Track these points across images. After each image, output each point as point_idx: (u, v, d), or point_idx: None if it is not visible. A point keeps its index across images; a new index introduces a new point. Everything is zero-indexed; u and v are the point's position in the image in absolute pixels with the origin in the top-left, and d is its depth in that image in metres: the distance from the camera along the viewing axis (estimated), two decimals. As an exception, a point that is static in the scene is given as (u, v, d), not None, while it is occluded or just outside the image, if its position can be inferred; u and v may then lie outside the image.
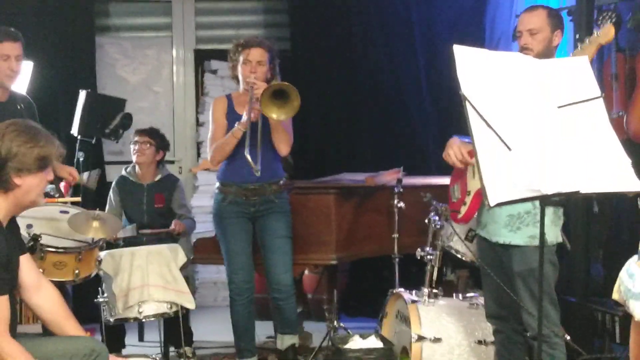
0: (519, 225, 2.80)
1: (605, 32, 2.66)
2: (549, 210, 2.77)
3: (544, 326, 2.76)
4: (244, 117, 3.62)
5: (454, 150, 2.75)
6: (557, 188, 2.05)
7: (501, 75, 2.15)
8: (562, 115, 2.11)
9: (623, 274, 1.50)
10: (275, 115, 3.53)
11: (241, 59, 3.71)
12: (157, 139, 4.55)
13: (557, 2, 4.54)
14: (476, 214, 2.98)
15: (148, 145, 4.49)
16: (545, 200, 2.16)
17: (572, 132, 2.11)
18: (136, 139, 4.51)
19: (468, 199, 2.97)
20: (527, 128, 2.10)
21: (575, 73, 2.19)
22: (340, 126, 5.65)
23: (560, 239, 2.88)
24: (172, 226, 4.36)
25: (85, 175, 4.44)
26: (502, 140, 1.99)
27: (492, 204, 2.01)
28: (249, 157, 3.49)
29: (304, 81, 5.49)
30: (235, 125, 3.64)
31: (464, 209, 3.00)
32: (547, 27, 2.83)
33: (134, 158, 4.54)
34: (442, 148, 3.10)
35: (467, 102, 2.04)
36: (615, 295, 1.59)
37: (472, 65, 2.12)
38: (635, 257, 2.03)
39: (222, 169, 3.84)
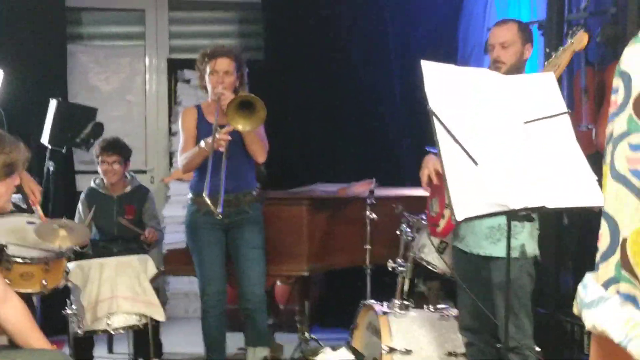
0: (499, 237, 2.82)
1: (579, 39, 2.71)
2: (528, 224, 2.79)
3: (518, 337, 2.78)
4: (206, 142, 3.54)
5: (429, 169, 2.77)
6: (523, 203, 2.07)
7: (468, 91, 2.17)
8: (528, 131, 2.13)
9: (579, 286, 1.52)
10: (241, 126, 3.52)
11: (208, 69, 3.70)
12: (123, 152, 4.47)
13: (527, 16, 4.59)
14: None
15: (117, 164, 4.42)
16: (512, 215, 2.17)
17: (539, 147, 2.13)
18: (104, 158, 4.40)
19: (447, 213, 2.98)
20: (494, 143, 2.12)
21: (541, 89, 2.22)
22: (314, 136, 5.65)
23: (537, 252, 2.90)
24: (146, 233, 4.30)
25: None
26: (469, 155, 2.00)
27: (459, 219, 2.02)
28: (207, 201, 3.43)
29: (278, 91, 5.51)
30: (202, 143, 3.59)
31: (442, 223, 3.02)
32: (518, 41, 2.88)
33: (102, 175, 4.45)
34: (416, 159, 3.11)
35: (434, 117, 2.06)
36: (574, 309, 1.62)
37: (439, 80, 2.14)
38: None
39: (194, 180, 3.81)
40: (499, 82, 2.24)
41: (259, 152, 3.72)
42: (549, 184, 2.10)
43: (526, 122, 2.13)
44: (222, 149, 3.53)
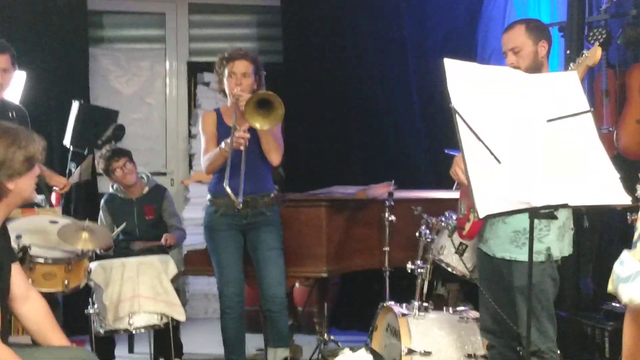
0: (524, 240, 2.79)
1: (592, 54, 2.67)
2: (554, 225, 2.78)
3: (540, 342, 2.77)
4: (226, 143, 3.58)
5: (460, 167, 2.76)
6: (545, 200, 2.07)
7: (491, 89, 2.18)
8: (551, 129, 2.13)
9: (615, 264, 1.55)
10: (259, 124, 3.54)
11: (226, 72, 3.73)
12: (125, 152, 4.55)
13: (548, 18, 4.59)
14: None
15: (128, 162, 4.48)
16: (534, 213, 2.17)
17: (561, 145, 2.13)
18: (114, 165, 4.45)
19: (472, 216, 2.98)
20: (517, 141, 2.12)
21: (564, 87, 2.21)
22: (332, 139, 5.66)
23: (566, 252, 2.87)
24: (163, 240, 4.35)
25: (76, 173, 4.40)
26: (492, 153, 2.00)
27: (481, 216, 2.02)
28: (228, 190, 3.47)
29: (296, 94, 5.53)
30: (222, 144, 3.63)
31: (468, 226, 3.02)
32: (528, 42, 2.83)
33: (122, 182, 4.49)
34: (433, 162, 3.11)
35: (456, 115, 2.06)
36: (609, 287, 1.64)
37: (462, 78, 2.14)
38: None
39: (213, 182, 3.84)
40: (521, 80, 2.24)
41: (274, 153, 3.74)
42: (571, 181, 2.10)
43: (549, 120, 2.12)
44: (242, 148, 3.55)
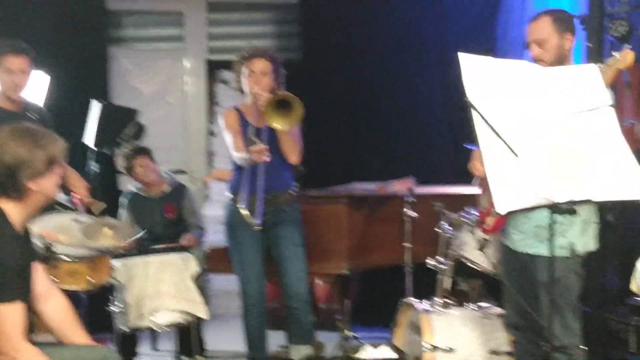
0: (547, 235, 2.77)
1: (624, 57, 2.56)
2: (579, 219, 2.73)
3: (565, 337, 2.75)
4: (245, 155, 3.59)
5: (479, 161, 2.73)
6: (567, 196, 2.04)
7: (508, 83, 2.16)
8: (572, 123, 2.11)
9: (637, 262, 1.53)
10: (279, 125, 3.54)
11: (245, 70, 3.73)
12: (146, 150, 4.60)
13: (568, 9, 4.52)
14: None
15: (148, 160, 4.52)
16: (555, 209, 2.15)
17: (582, 139, 2.11)
18: (135, 163, 4.51)
19: (494, 211, 2.96)
20: (536, 135, 2.10)
21: (585, 81, 2.18)
22: (351, 135, 5.66)
23: (591, 247, 2.83)
24: (185, 241, 4.35)
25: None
26: (509, 147, 1.98)
27: (500, 212, 2.00)
28: (243, 212, 3.48)
29: (315, 91, 5.52)
30: (244, 154, 3.62)
31: (490, 220, 2.99)
32: (554, 34, 2.75)
33: (143, 180, 4.54)
34: (453, 158, 3.08)
35: (472, 109, 2.05)
36: (632, 286, 1.61)
37: (477, 72, 2.13)
38: None
39: (233, 180, 3.85)
40: (541, 74, 2.22)
41: (292, 152, 3.74)
42: (593, 176, 2.07)
43: (570, 114, 2.10)
44: (267, 159, 3.54)
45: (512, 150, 2.00)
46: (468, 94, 2.10)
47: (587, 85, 2.19)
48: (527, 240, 2.83)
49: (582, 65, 2.38)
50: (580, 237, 2.78)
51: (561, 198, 2.06)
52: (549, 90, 2.18)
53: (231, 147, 3.78)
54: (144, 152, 4.56)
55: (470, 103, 2.07)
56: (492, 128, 2.01)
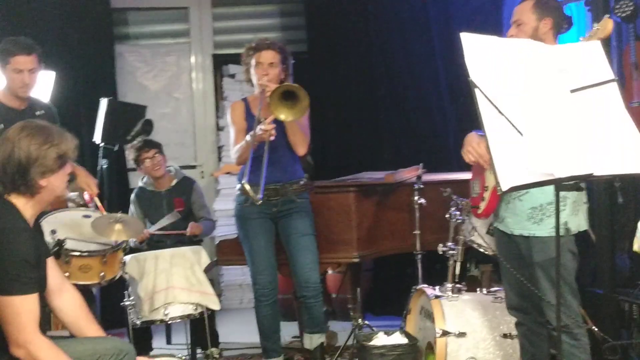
0: (541, 216, 2.79)
1: (603, 26, 2.63)
2: (569, 200, 2.75)
3: (565, 316, 2.75)
4: (248, 137, 3.61)
5: (472, 147, 2.74)
6: (570, 171, 2.04)
7: (510, 61, 2.16)
8: (575, 99, 2.10)
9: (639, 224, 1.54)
10: (284, 115, 3.55)
11: (253, 62, 3.74)
12: (156, 144, 4.64)
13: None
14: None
15: (158, 154, 4.55)
16: (558, 185, 2.15)
17: (586, 115, 2.10)
18: (144, 156, 4.54)
19: (487, 195, 2.97)
20: (539, 113, 2.09)
21: (588, 57, 2.18)
22: (359, 126, 5.66)
23: (582, 227, 2.85)
24: (189, 229, 4.38)
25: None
26: (513, 125, 1.98)
27: (504, 189, 2.01)
28: (247, 187, 3.50)
29: (321, 82, 5.53)
30: (248, 136, 3.64)
31: (483, 205, 3.00)
32: (532, 17, 2.82)
33: (151, 174, 4.57)
34: (461, 144, 3.04)
35: (476, 89, 2.05)
36: (635, 246, 1.62)
37: (480, 51, 2.13)
38: None
39: (242, 171, 3.86)
40: (543, 51, 2.21)
41: (300, 143, 3.75)
42: (596, 151, 2.07)
43: (572, 91, 2.10)
44: (272, 138, 3.56)
45: (517, 129, 1.99)
46: (471, 74, 2.10)
47: (590, 61, 2.19)
48: (521, 223, 2.84)
49: (585, 42, 2.37)
50: (572, 217, 2.78)
51: (564, 174, 2.05)
52: (552, 67, 2.17)
53: (232, 143, 3.80)
54: (154, 145, 4.60)
55: (473, 83, 2.08)
56: (495, 107, 2.01)
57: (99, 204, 3.66)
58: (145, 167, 4.55)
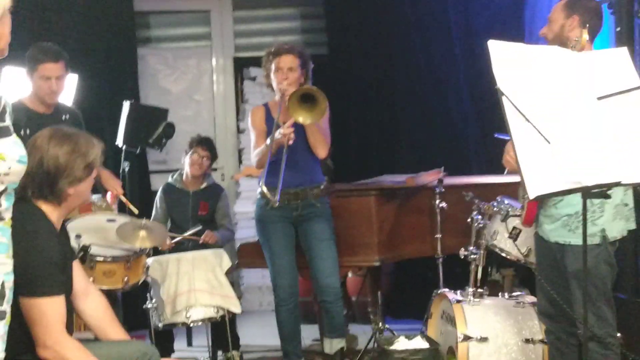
0: (577, 224, 2.74)
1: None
2: (609, 206, 2.72)
3: (598, 327, 2.72)
4: (268, 140, 3.63)
5: (511, 155, 2.73)
6: (598, 179, 2.03)
7: (538, 69, 2.15)
8: (602, 107, 2.09)
9: None
10: (303, 118, 3.56)
11: (273, 67, 3.75)
12: (214, 152, 4.68)
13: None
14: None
15: (206, 158, 4.57)
16: (586, 193, 2.14)
17: (613, 123, 2.09)
18: (198, 152, 4.57)
19: (525, 203, 2.96)
20: (566, 120, 2.09)
21: (614, 64, 2.17)
22: (380, 129, 5.65)
23: (631, 226, 2.81)
24: (203, 236, 4.39)
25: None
26: (540, 133, 1.98)
27: (531, 197, 2.00)
28: (264, 189, 3.53)
29: (342, 85, 5.54)
30: (268, 140, 3.66)
31: (523, 213, 3.00)
32: (561, 15, 2.85)
33: (188, 168, 4.59)
34: (483, 148, 3.06)
35: (503, 97, 2.04)
36: None
37: (507, 59, 2.13)
38: None
39: (262, 175, 3.87)
40: (570, 58, 2.21)
41: (320, 146, 3.75)
42: (623, 159, 2.06)
43: (599, 98, 2.09)
44: (291, 142, 3.57)
45: (544, 137, 1.99)
46: (498, 82, 2.10)
47: (617, 68, 2.18)
48: (557, 230, 2.82)
49: (612, 49, 2.37)
50: (613, 222, 2.75)
51: (592, 182, 2.05)
52: (579, 74, 2.17)
53: (253, 147, 3.82)
54: (211, 150, 4.63)
55: (500, 91, 2.07)
56: (523, 115, 2.01)
57: (126, 201, 3.71)
58: (191, 159, 4.56)
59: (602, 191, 2.09)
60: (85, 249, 3.26)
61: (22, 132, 3.51)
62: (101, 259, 3.36)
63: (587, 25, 2.75)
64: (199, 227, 4.40)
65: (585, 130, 2.09)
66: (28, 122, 3.56)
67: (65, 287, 2.43)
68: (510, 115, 2.05)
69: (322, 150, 3.77)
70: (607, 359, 2.74)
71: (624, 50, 2.25)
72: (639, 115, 2.11)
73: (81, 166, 2.43)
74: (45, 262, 2.33)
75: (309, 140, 3.73)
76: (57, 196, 2.43)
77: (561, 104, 2.12)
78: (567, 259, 2.77)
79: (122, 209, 4.21)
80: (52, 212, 2.45)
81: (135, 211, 3.85)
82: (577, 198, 2.69)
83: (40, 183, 2.40)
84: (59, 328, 2.35)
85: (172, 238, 4.37)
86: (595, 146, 2.07)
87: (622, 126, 2.11)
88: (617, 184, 2.08)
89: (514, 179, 3.51)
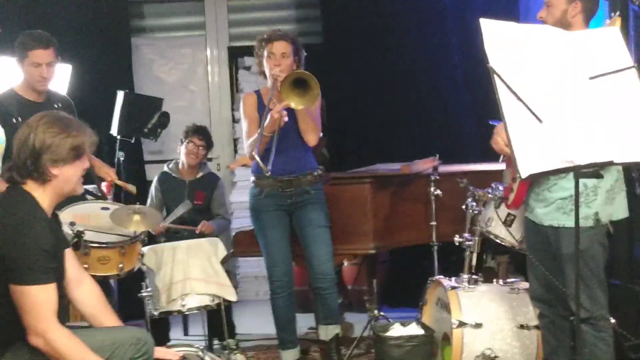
0: (571, 207, 2.75)
1: (612, 23, 2.62)
2: (602, 189, 2.73)
3: (591, 308, 2.73)
4: (263, 126, 3.62)
5: (501, 137, 2.73)
6: (590, 158, 2.03)
7: (530, 48, 2.15)
8: (594, 86, 2.09)
9: None
10: (295, 103, 3.56)
11: (265, 53, 3.74)
12: (209, 141, 4.66)
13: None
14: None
15: (202, 148, 4.56)
16: (578, 172, 2.14)
17: (605, 102, 2.09)
18: (194, 141, 4.55)
19: (515, 186, 2.96)
20: (558, 99, 2.09)
21: (606, 44, 2.17)
22: (375, 117, 5.65)
23: (619, 216, 2.81)
24: (199, 226, 4.39)
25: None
26: (532, 112, 1.98)
27: (523, 176, 2.00)
28: (257, 158, 3.52)
29: (337, 74, 5.53)
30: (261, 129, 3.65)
31: (511, 196, 3.00)
32: (562, 0, 2.80)
33: (184, 157, 4.58)
34: (478, 135, 3.06)
35: (494, 75, 2.04)
36: None
37: (499, 38, 2.12)
38: None
39: (255, 163, 3.86)
40: (562, 37, 2.20)
41: (311, 132, 3.74)
42: (616, 139, 2.06)
43: (592, 78, 2.08)
44: (282, 123, 3.56)
45: (536, 116, 1.99)
46: (490, 60, 2.09)
47: (609, 48, 2.18)
48: (551, 214, 2.82)
49: (604, 28, 2.36)
50: (605, 206, 2.75)
51: (584, 161, 2.05)
52: (571, 53, 2.16)
53: (245, 136, 3.81)
54: (207, 140, 4.61)
55: (492, 69, 2.07)
56: (514, 94, 2.01)
57: (123, 183, 3.71)
58: (186, 148, 4.55)
59: (594, 170, 2.08)
60: (79, 235, 3.25)
61: (14, 120, 3.51)
62: (95, 245, 3.36)
63: (590, 10, 2.75)
64: (189, 206, 4.39)
65: (577, 109, 2.09)
66: (20, 110, 3.56)
67: (56, 275, 2.43)
68: (502, 94, 2.05)
69: (312, 136, 3.76)
70: (600, 341, 2.75)
71: (615, 30, 2.25)
72: (631, 94, 2.11)
73: (66, 146, 2.43)
74: (36, 249, 2.33)
75: (300, 126, 3.72)
76: (41, 174, 2.42)
77: (553, 83, 2.11)
78: (562, 241, 2.78)
79: (118, 199, 4.21)
80: (41, 196, 2.44)
81: (134, 190, 3.84)
82: (570, 182, 2.71)
83: (24, 159, 2.41)
84: (50, 316, 2.35)
85: (169, 229, 4.37)
86: (587, 125, 2.07)
87: (614, 106, 2.11)
88: (610, 163, 2.08)
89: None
